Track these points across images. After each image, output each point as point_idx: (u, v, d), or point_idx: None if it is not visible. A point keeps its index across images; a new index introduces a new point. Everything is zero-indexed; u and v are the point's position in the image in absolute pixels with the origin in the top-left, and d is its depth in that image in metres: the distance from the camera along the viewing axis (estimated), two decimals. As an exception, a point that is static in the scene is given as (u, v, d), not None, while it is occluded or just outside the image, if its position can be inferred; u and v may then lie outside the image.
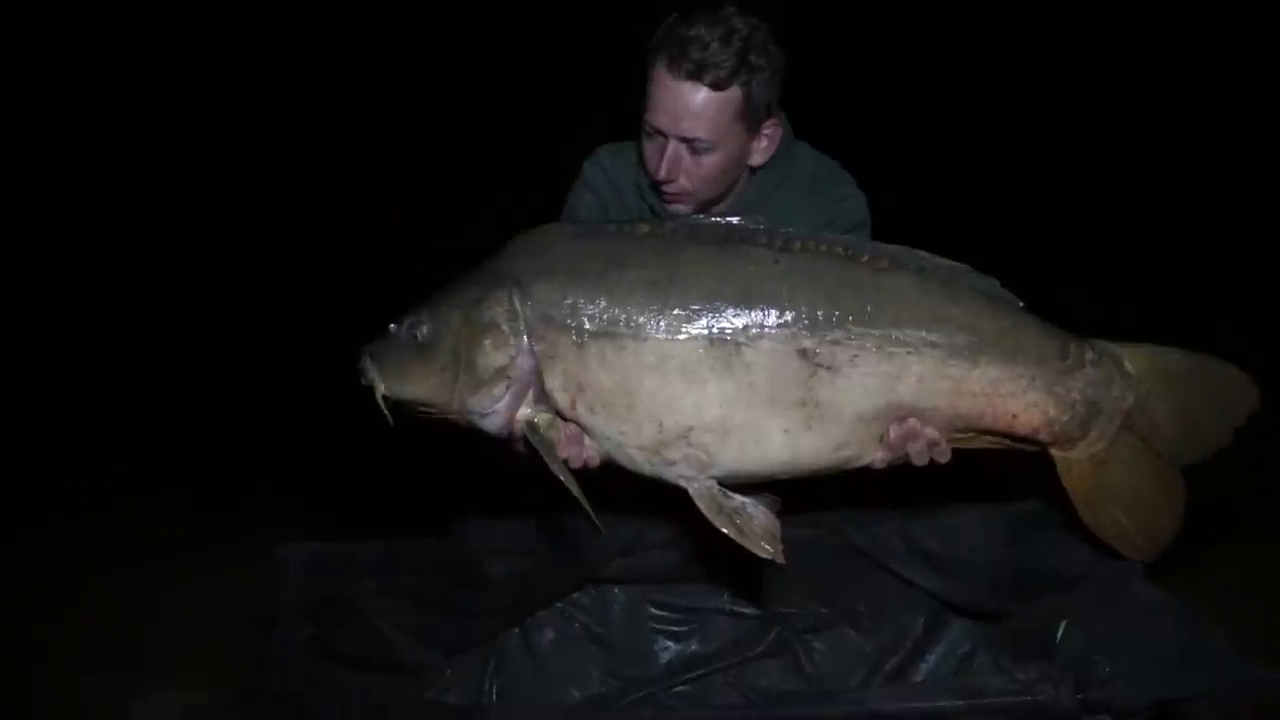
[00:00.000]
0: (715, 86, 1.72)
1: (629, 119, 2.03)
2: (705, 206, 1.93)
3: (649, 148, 1.81)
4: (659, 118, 1.77)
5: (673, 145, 1.77)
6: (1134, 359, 1.55)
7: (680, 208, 1.87)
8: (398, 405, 1.58)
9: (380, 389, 1.54)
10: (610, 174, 2.05)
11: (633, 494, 1.72)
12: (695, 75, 1.72)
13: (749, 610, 1.91)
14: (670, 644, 1.91)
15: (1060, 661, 1.42)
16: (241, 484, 3.88)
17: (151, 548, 3.45)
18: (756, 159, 1.90)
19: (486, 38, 7.38)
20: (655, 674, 1.89)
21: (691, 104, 1.73)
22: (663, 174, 1.78)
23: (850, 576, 1.88)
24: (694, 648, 1.90)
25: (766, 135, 1.87)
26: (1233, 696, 1.24)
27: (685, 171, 1.79)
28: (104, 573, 3.26)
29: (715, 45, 1.72)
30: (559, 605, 1.91)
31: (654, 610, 1.91)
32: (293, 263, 5.80)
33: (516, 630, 1.91)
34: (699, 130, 1.75)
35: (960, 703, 1.22)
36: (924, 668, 1.82)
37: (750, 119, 1.82)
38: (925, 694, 1.27)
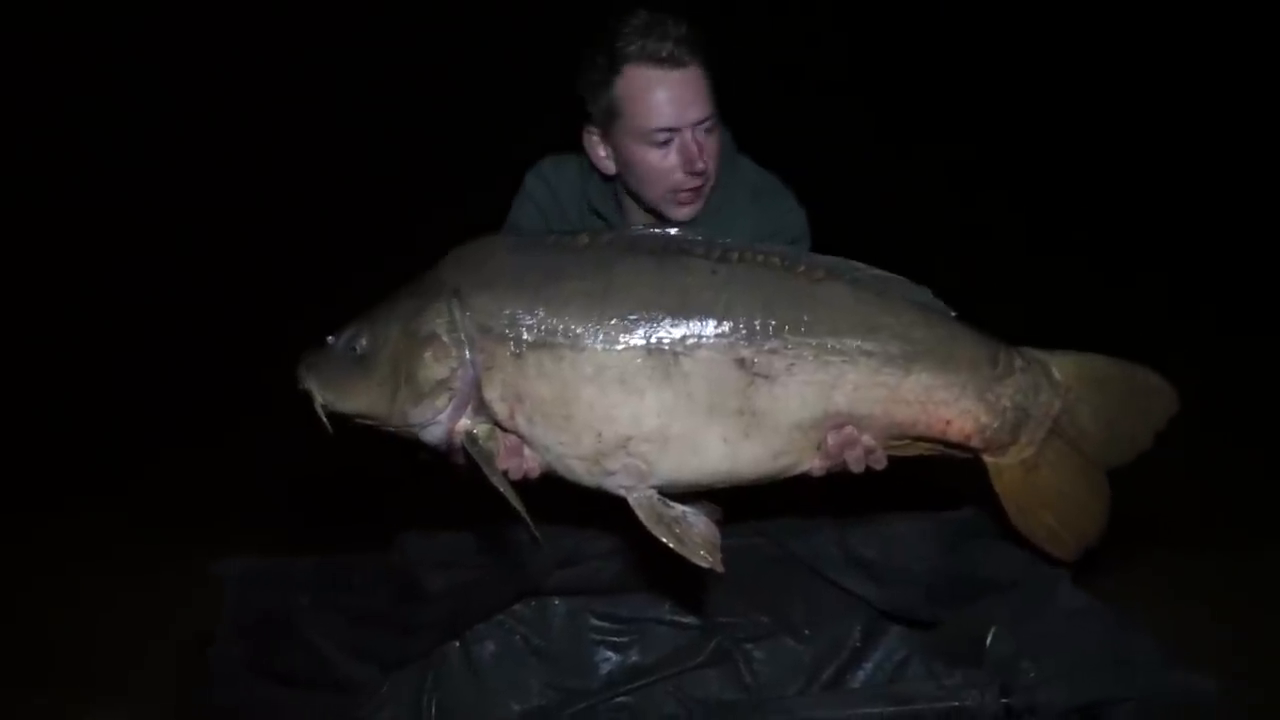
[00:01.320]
0: (700, 62, 1.79)
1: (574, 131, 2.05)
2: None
3: (660, 154, 1.83)
4: (667, 116, 1.80)
5: (688, 135, 1.81)
6: (1060, 366, 1.59)
7: (691, 209, 1.89)
8: (336, 415, 1.57)
9: (318, 400, 1.53)
10: (552, 185, 2.06)
11: (573, 506, 1.73)
12: (677, 59, 1.77)
13: (689, 620, 1.91)
14: (611, 654, 1.90)
15: (989, 667, 1.44)
16: (179, 500, 3.83)
17: (87, 564, 3.40)
18: None
19: (439, 48, 7.35)
20: (596, 685, 1.87)
21: (692, 85, 1.79)
22: (698, 165, 1.81)
23: (789, 586, 1.89)
24: (634, 658, 1.90)
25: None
26: (1155, 700, 1.27)
27: (709, 157, 1.83)
28: (37, 589, 3.20)
29: (670, 26, 1.79)
30: (499, 618, 1.90)
31: (594, 621, 1.90)
32: (236, 273, 5.75)
33: (455, 644, 1.89)
34: (708, 107, 1.81)
35: (890, 709, 1.24)
36: (861, 675, 1.83)
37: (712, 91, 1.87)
38: (855, 701, 1.29)
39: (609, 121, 1.86)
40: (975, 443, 1.58)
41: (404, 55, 7.25)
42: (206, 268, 5.88)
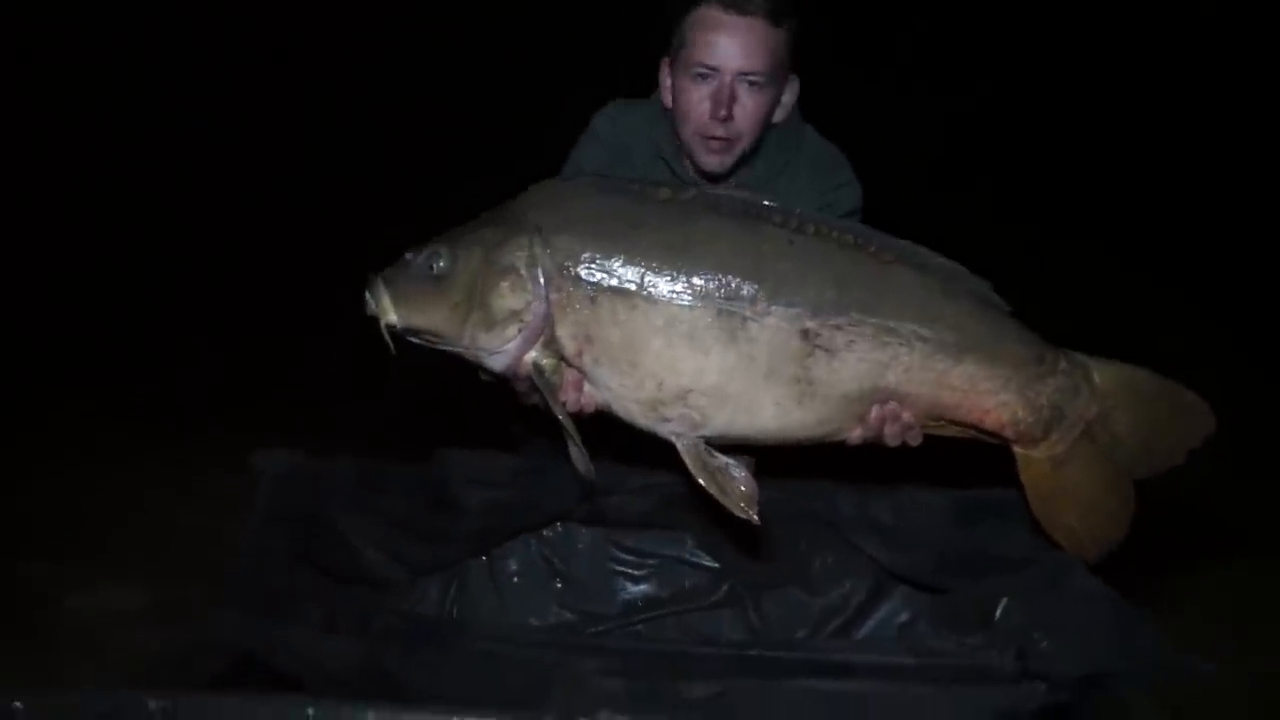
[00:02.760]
0: (771, 20, 1.84)
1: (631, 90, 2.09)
2: (738, 163, 1.98)
3: (697, 91, 1.87)
4: (714, 55, 1.85)
5: (729, 81, 1.85)
6: (1103, 373, 1.66)
7: (718, 159, 1.93)
8: (401, 331, 1.62)
9: (388, 315, 1.57)
10: (619, 127, 2.10)
11: (611, 443, 1.80)
12: (748, 10, 1.82)
13: (706, 562, 1.99)
14: (628, 585, 1.98)
15: (998, 632, 1.53)
16: (226, 401, 3.91)
17: (123, 446, 3.48)
18: (779, 114, 1.98)
19: (495, 14, 7.35)
20: (611, 611, 1.97)
21: (749, 38, 1.84)
22: (723, 111, 1.84)
23: (804, 540, 1.97)
24: (650, 591, 1.98)
25: (789, 89, 1.96)
26: (1161, 678, 1.36)
27: (742, 110, 1.88)
28: (70, 468, 3.27)
29: None
30: (526, 539, 1.98)
31: (616, 552, 1.99)
32: (295, 190, 5.89)
33: (482, 558, 1.97)
34: (758, 63, 1.85)
35: (912, 660, 1.32)
36: (864, 631, 1.93)
37: (785, 64, 1.94)
38: (880, 649, 1.37)
39: (676, 51, 1.94)
40: (1008, 433, 1.66)
41: (433, 43, 7.28)
42: (269, 183, 6.04)
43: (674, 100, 1.98)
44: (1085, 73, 7.21)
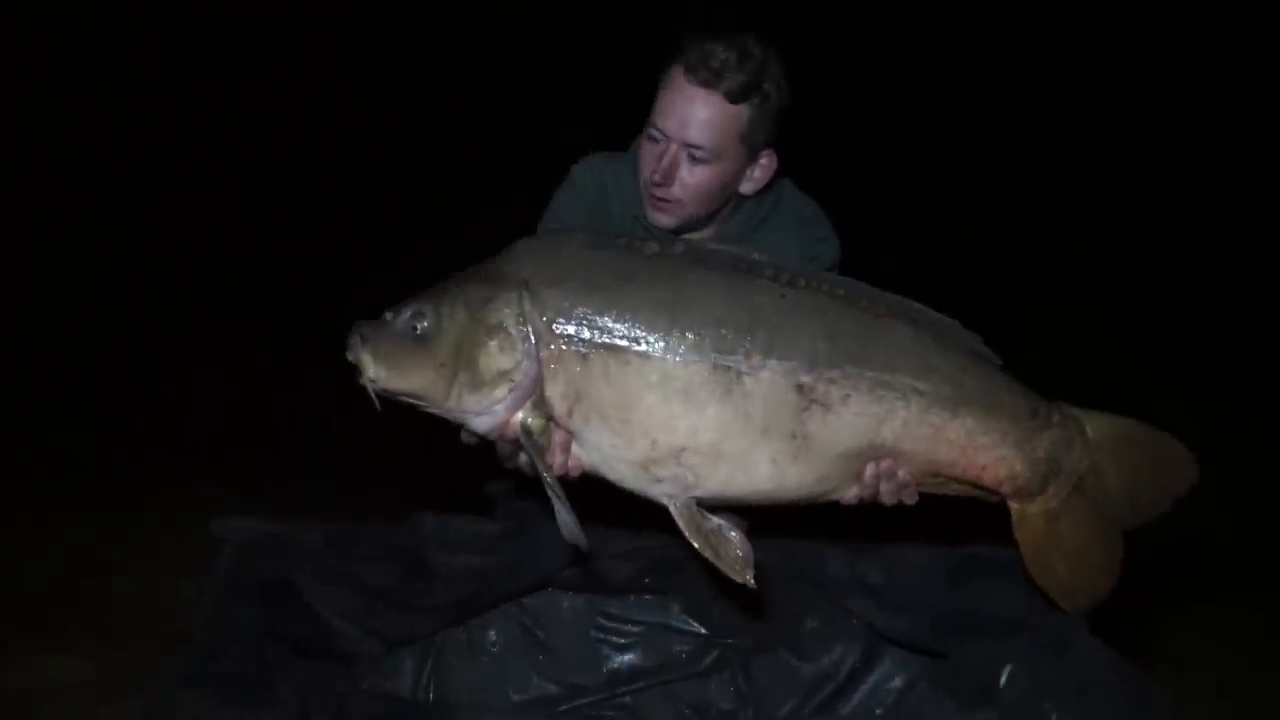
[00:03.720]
0: (727, 98, 1.77)
1: (626, 132, 2.05)
2: (688, 226, 1.95)
3: (648, 149, 1.84)
4: (665, 120, 1.80)
5: (673, 149, 1.81)
6: (1094, 425, 1.65)
7: (663, 218, 1.89)
8: (383, 392, 1.54)
9: (369, 374, 1.50)
10: (599, 181, 2.05)
11: (593, 506, 1.73)
12: (709, 83, 1.77)
13: (693, 628, 1.92)
14: (613, 654, 1.90)
15: (1004, 704, 1.48)
16: (184, 451, 3.78)
17: (81, 510, 3.33)
18: (748, 187, 1.94)
19: (491, 38, 7.37)
20: (595, 682, 1.88)
21: (700, 111, 1.78)
22: (658, 176, 1.81)
23: (795, 603, 1.91)
24: (635, 660, 1.90)
25: (761, 165, 1.91)
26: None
27: (680, 179, 1.83)
28: (5, 528, 3.11)
29: (733, 60, 1.78)
30: (505, 606, 1.89)
31: (600, 620, 1.91)
32: (279, 249, 5.78)
33: (460, 628, 1.88)
34: (703, 138, 1.79)
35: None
36: (857, 699, 1.87)
37: (750, 143, 1.86)
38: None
39: (652, 104, 1.89)
40: (1006, 489, 1.62)
41: (467, 42, 7.30)
42: (250, 230, 5.98)
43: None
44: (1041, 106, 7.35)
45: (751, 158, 1.89)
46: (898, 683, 1.86)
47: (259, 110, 6.74)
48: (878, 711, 1.81)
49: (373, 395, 1.52)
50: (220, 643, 1.71)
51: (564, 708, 1.86)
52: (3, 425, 4.02)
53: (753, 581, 1.52)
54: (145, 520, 3.18)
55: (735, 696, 1.90)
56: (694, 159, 1.81)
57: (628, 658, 1.90)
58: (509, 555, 1.84)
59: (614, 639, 1.91)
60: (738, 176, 1.91)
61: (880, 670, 1.87)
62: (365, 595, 1.80)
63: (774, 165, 1.93)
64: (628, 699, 1.88)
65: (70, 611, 2.73)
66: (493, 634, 1.89)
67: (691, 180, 1.83)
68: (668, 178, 1.82)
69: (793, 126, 1.95)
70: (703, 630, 1.92)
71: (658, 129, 1.82)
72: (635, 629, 1.91)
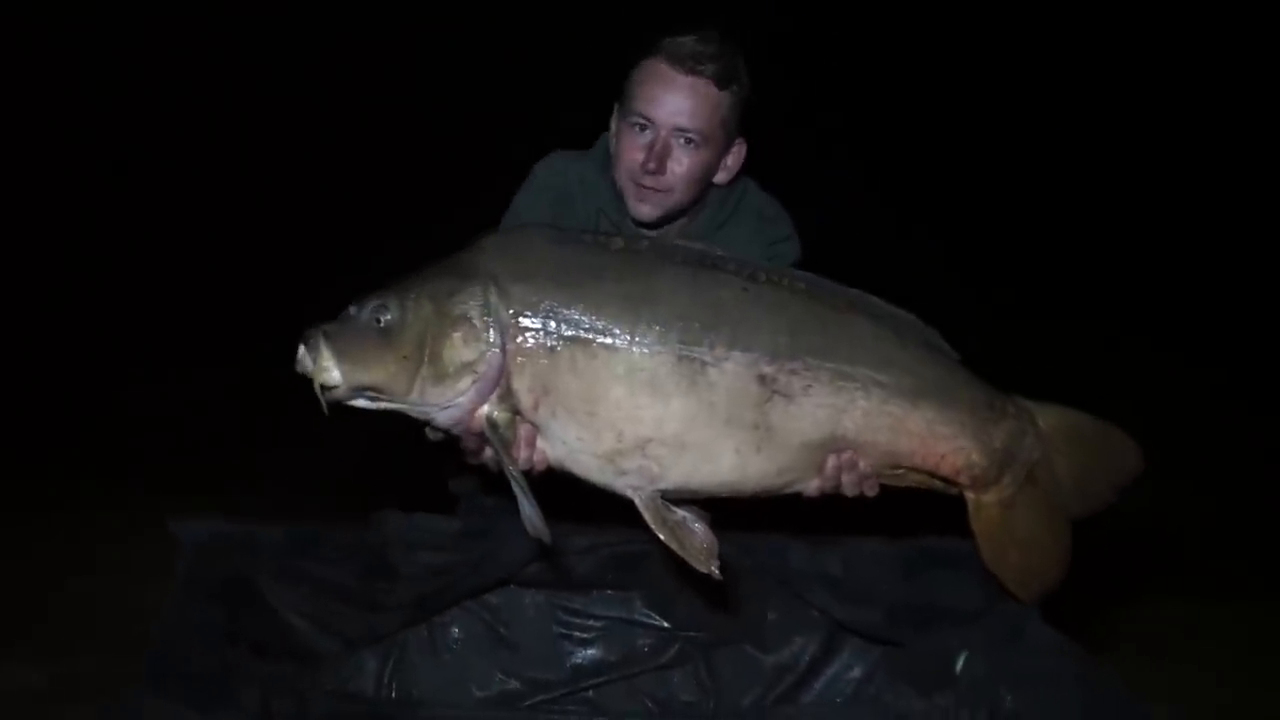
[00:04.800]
0: (715, 82, 1.84)
1: (591, 129, 2.06)
2: (668, 217, 1.97)
3: (632, 140, 1.87)
4: (654, 108, 1.85)
5: (664, 136, 1.85)
6: (1045, 416, 1.70)
7: (648, 209, 1.92)
8: (337, 394, 1.52)
9: (328, 373, 1.48)
10: (563, 179, 2.06)
11: (554, 502, 1.74)
12: (696, 71, 1.84)
13: (655, 621, 1.93)
14: (575, 649, 1.91)
15: (961, 689, 1.50)
16: (140, 454, 3.72)
17: (37, 515, 3.27)
18: (721, 176, 1.99)
19: (467, 41, 7.32)
20: (558, 678, 1.89)
21: (690, 96, 1.84)
22: (652, 164, 1.85)
23: (756, 596, 1.93)
24: (598, 654, 1.91)
25: (734, 153, 1.98)
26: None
27: (671, 167, 1.88)
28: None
29: (713, 50, 1.87)
30: (467, 604, 1.89)
31: (562, 615, 1.91)
32: (239, 254, 5.72)
33: (422, 626, 1.88)
34: (694, 123, 1.85)
35: (883, 725, 1.28)
36: (818, 688, 1.89)
37: (728, 129, 1.94)
38: (848, 711, 1.33)
39: (624, 98, 1.94)
40: (963, 479, 1.66)
41: (430, 56, 7.24)
42: (219, 237, 5.89)
43: (615, 144, 1.98)
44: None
45: (728, 146, 1.94)
46: (857, 672, 1.88)
47: (226, 113, 6.66)
48: (838, 700, 1.83)
49: (322, 400, 1.50)
50: (180, 644, 1.70)
51: (527, 703, 1.87)
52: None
53: (718, 572, 1.54)
54: (104, 523, 3.14)
55: (698, 689, 1.92)
56: (688, 143, 1.87)
57: (590, 652, 1.91)
58: (471, 552, 1.83)
59: (576, 634, 1.91)
60: (718, 164, 1.97)
61: (840, 660, 1.89)
62: (326, 594, 1.79)
63: (743, 153, 1.99)
64: (590, 693, 1.89)
65: (30, 618, 2.69)
66: (455, 631, 1.88)
67: (681, 167, 1.89)
68: (661, 164, 1.86)
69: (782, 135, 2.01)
70: (665, 624, 1.93)
71: (644, 118, 1.86)
72: (597, 624, 1.92)
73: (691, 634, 1.92)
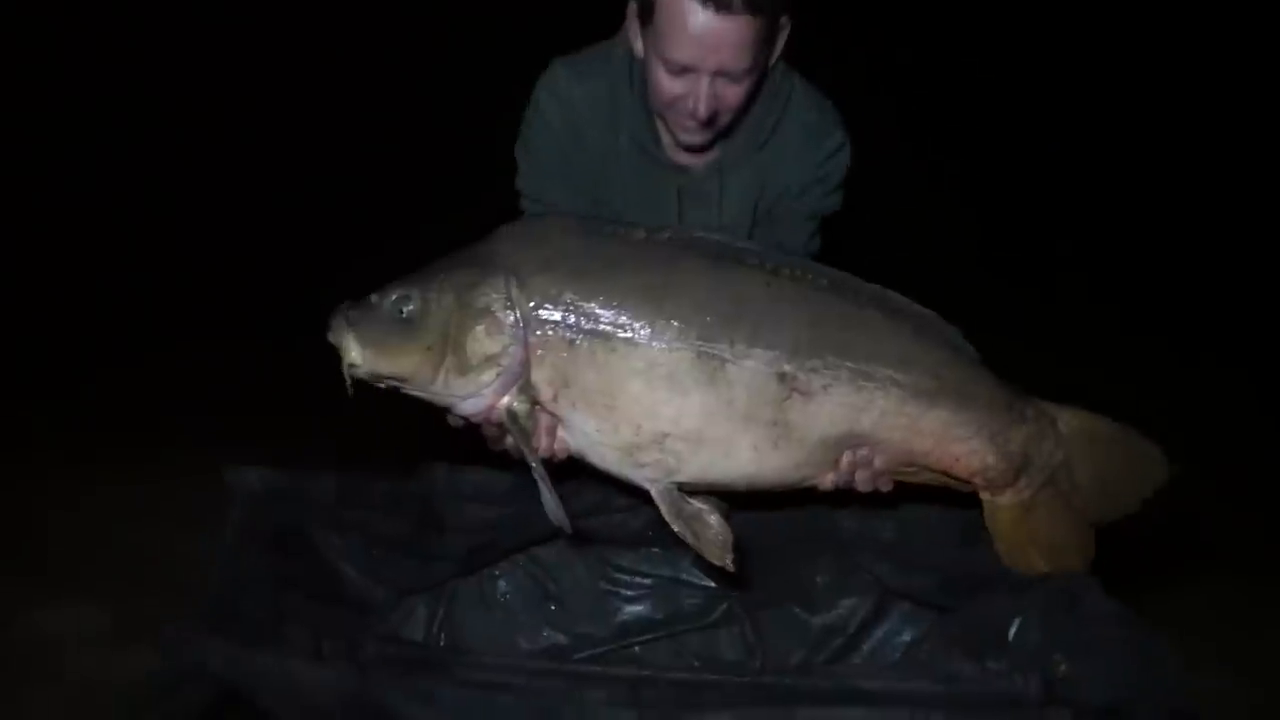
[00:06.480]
0: (749, 11, 1.67)
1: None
2: (710, 144, 1.89)
3: (673, 85, 1.76)
4: (689, 52, 1.71)
5: (707, 80, 1.73)
6: (1067, 421, 1.67)
7: (694, 139, 1.84)
8: (365, 375, 1.53)
9: (352, 358, 1.50)
10: (572, 106, 1.93)
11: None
12: (724, 6, 1.66)
13: (702, 581, 1.94)
14: (623, 606, 1.92)
15: (1015, 654, 1.48)
16: (194, 409, 3.81)
17: (94, 457, 3.36)
18: (773, 60, 1.86)
19: (473, 35, 7.29)
20: (605, 634, 1.90)
21: (728, 34, 1.69)
22: (704, 113, 1.75)
23: (805, 558, 1.92)
24: (645, 611, 1.92)
25: (781, 35, 1.83)
26: (1180, 703, 1.31)
27: (722, 104, 1.77)
28: (23, 483, 3.14)
29: None
30: (517, 558, 1.90)
31: (610, 572, 1.93)
32: (277, 233, 5.79)
33: (471, 578, 1.89)
34: (738, 61, 1.72)
35: (935, 686, 1.26)
36: (866, 650, 1.88)
37: (773, 41, 1.81)
38: (897, 673, 1.31)
39: (645, 15, 1.78)
40: (978, 480, 1.65)
41: (439, 52, 7.23)
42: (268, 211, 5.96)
43: (647, 73, 1.82)
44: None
45: (772, 51, 1.83)
46: (906, 636, 1.87)
47: (253, 98, 6.71)
48: (886, 663, 1.82)
49: (348, 379, 1.51)
50: (234, 590, 1.73)
51: (574, 658, 1.88)
52: (32, 387, 4.08)
53: (731, 565, 1.55)
54: (162, 475, 3.21)
55: (744, 648, 1.92)
56: (732, 80, 1.75)
57: (637, 609, 1.92)
58: (521, 507, 1.84)
59: (624, 591, 1.93)
60: (766, 71, 1.85)
61: (889, 623, 1.88)
62: (377, 544, 1.81)
63: (788, 31, 1.85)
64: (636, 650, 1.90)
65: (89, 564, 2.77)
66: (504, 584, 1.91)
67: (734, 97, 1.78)
68: (712, 110, 1.76)
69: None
70: (711, 584, 1.93)
71: (680, 64, 1.72)
72: (645, 581, 1.93)
73: (738, 594, 1.92)
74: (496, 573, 1.90)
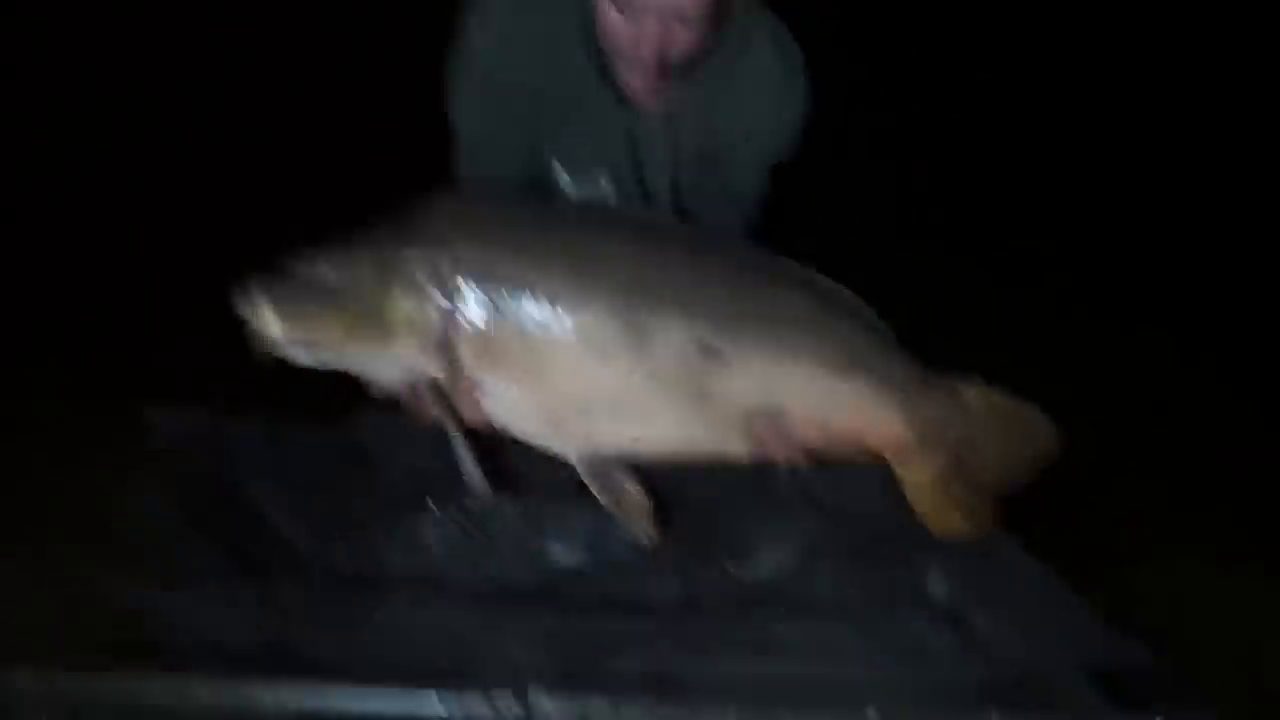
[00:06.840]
0: None
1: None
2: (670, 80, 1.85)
3: (624, 26, 1.71)
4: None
5: (655, 19, 1.68)
6: (970, 394, 1.74)
7: (643, 83, 1.81)
8: (277, 344, 1.52)
9: (269, 329, 1.49)
10: (506, 54, 1.87)
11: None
12: None
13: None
14: (553, 556, 1.90)
15: (934, 607, 1.51)
16: (116, 362, 3.70)
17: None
18: None
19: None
20: (533, 583, 1.88)
21: None
22: (652, 55, 1.73)
23: (735, 511, 1.93)
24: (574, 563, 1.90)
25: None
26: (1095, 655, 1.35)
27: (676, 49, 1.74)
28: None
29: None
30: (446, 505, 1.88)
31: (540, 523, 1.90)
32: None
33: (398, 525, 1.87)
34: (697, 8, 1.69)
35: (852, 636, 1.28)
36: (792, 601, 1.88)
37: None
38: (814, 619, 1.33)
39: None
40: (889, 452, 1.73)
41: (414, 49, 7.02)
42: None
43: (594, 10, 1.75)
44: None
45: None
46: (830, 589, 1.88)
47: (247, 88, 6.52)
48: (812, 616, 1.83)
49: (262, 352, 1.50)
50: (148, 531, 1.70)
51: (500, 604, 1.87)
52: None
53: (655, 536, 1.60)
54: (77, 430, 3.12)
55: (674, 600, 1.93)
56: (682, 21, 1.69)
57: (567, 559, 1.90)
58: (450, 456, 1.82)
59: (554, 541, 1.91)
60: (729, 4, 1.82)
61: (815, 576, 1.90)
62: (301, 489, 1.79)
63: None
64: (564, 597, 1.89)
65: (5, 514, 2.69)
66: (432, 532, 1.88)
67: (682, 43, 1.74)
68: (665, 65, 1.75)
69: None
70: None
71: (636, 5, 1.66)
72: (576, 531, 1.91)
73: (670, 546, 1.92)
74: (424, 519, 1.87)
